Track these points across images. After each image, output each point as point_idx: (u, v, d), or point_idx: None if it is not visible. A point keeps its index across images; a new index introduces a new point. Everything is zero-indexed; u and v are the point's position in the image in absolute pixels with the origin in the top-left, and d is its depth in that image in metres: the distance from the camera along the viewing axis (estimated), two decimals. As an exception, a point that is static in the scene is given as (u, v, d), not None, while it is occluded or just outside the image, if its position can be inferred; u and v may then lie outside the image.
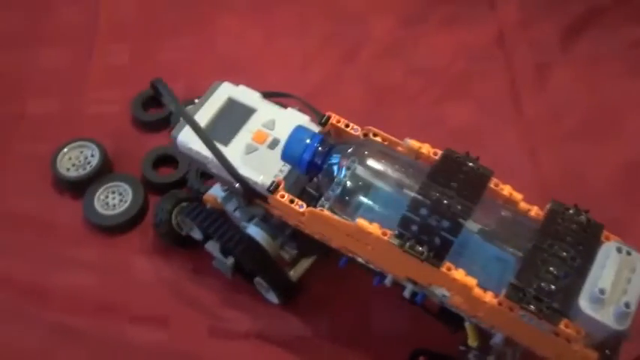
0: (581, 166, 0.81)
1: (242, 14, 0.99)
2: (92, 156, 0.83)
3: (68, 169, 0.82)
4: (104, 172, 0.82)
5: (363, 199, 0.58)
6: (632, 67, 0.89)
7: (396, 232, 0.54)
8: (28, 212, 0.81)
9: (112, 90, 0.90)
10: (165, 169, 0.83)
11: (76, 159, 0.83)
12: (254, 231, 0.68)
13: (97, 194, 0.80)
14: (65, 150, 0.83)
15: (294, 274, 0.71)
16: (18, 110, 0.90)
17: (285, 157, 0.60)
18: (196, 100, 0.67)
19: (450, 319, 0.61)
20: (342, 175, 0.58)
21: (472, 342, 0.60)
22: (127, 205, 0.79)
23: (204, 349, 0.71)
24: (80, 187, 0.81)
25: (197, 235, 0.73)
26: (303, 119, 0.65)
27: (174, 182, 0.80)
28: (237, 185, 0.63)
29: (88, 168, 0.82)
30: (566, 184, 0.79)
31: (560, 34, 0.92)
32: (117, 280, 0.76)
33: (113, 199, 0.80)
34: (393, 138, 0.61)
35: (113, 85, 0.92)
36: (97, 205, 0.80)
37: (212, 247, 0.71)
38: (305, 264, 0.72)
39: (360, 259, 0.62)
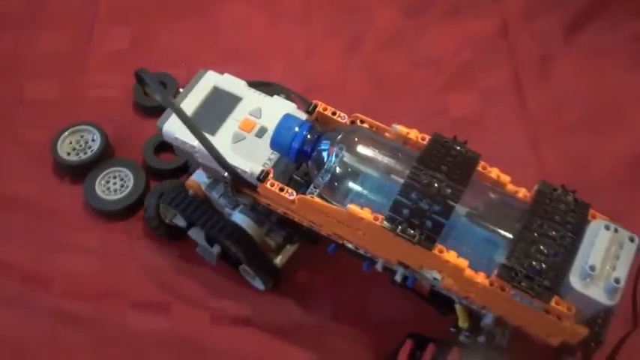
0: (583, 157, 0.82)
1: (246, 1, 0.98)
2: (93, 140, 0.82)
3: (69, 154, 0.81)
4: (105, 157, 0.82)
5: (353, 185, 0.59)
6: (634, 60, 0.90)
7: (388, 216, 0.54)
8: (28, 197, 0.81)
9: (112, 74, 0.89)
10: (167, 154, 0.82)
11: (77, 143, 0.82)
12: (239, 218, 0.69)
13: (98, 179, 0.80)
14: (66, 134, 0.82)
15: (280, 260, 0.71)
16: (17, 94, 0.89)
17: (274, 145, 0.60)
18: (181, 90, 0.67)
19: (441, 301, 0.62)
20: (332, 162, 0.58)
21: (462, 323, 0.61)
22: (128, 190, 0.79)
23: (206, 335, 0.71)
24: (81, 172, 0.80)
25: (180, 222, 0.72)
26: (290, 107, 0.65)
27: (176, 168, 0.80)
28: (225, 175, 0.62)
29: (89, 152, 0.81)
30: (569, 175, 0.80)
31: (563, 27, 0.93)
32: (118, 266, 0.76)
33: (114, 185, 0.80)
34: (380, 124, 0.62)
35: (114, 70, 0.91)
36: (98, 190, 0.79)
37: (195, 234, 0.71)
38: (290, 250, 0.72)
39: (349, 245, 0.62)
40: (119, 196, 0.78)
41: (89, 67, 0.92)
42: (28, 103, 0.89)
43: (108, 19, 0.96)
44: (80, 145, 0.82)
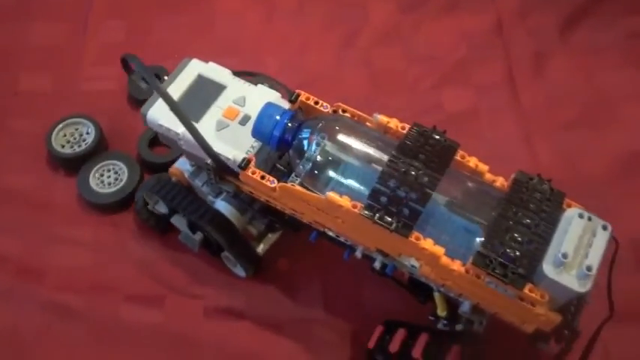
0: (577, 154, 0.82)
1: (242, -5, 0.98)
2: (88, 133, 0.82)
3: (63, 146, 0.82)
4: (100, 149, 0.82)
5: (334, 174, 0.59)
6: (629, 57, 0.90)
7: (366, 204, 0.55)
8: (22, 189, 0.81)
9: (107, 67, 0.88)
10: (162, 148, 0.81)
11: (71, 136, 0.82)
12: (222, 206, 0.69)
13: (93, 172, 0.80)
14: (60, 127, 0.82)
15: (262, 248, 0.72)
16: (11, 86, 0.89)
17: (256, 133, 0.61)
18: (165, 77, 0.67)
19: (419, 289, 0.63)
20: (313, 151, 0.59)
21: (441, 312, 0.62)
22: (122, 183, 0.79)
23: (199, 329, 0.71)
24: (75, 165, 0.80)
25: (163, 209, 0.73)
26: (274, 96, 0.66)
27: (170, 162, 0.78)
28: (208, 162, 0.63)
29: (84, 145, 0.81)
30: (562, 171, 0.79)
31: (558, 24, 0.93)
32: (111, 259, 0.76)
33: (108, 178, 0.80)
34: (362, 114, 0.62)
35: (109, 63, 0.88)
36: (92, 183, 0.79)
37: (178, 221, 0.71)
38: (272, 238, 0.73)
39: (330, 233, 0.63)
40: (113, 189, 0.79)
41: (84, 60, 0.92)
42: (23, 95, 0.89)
43: (103, 12, 0.96)
44: (74, 138, 0.82)
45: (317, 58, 0.92)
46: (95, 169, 0.80)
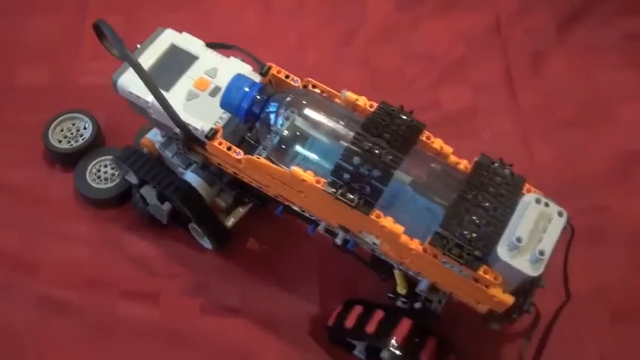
0: (573, 153, 0.82)
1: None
2: (85, 128, 0.82)
3: (60, 141, 0.81)
4: (96, 145, 0.81)
5: (300, 149, 0.59)
6: (626, 57, 0.90)
7: (329, 180, 0.55)
8: (19, 184, 0.81)
9: (105, 62, 0.84)
10: None
11: (68, 131, 0.82)
12: (191, 177, 0.69)
13: (89, 167, 0.80)
14: (57, 121, 0.82)
15: (231, 221, 0.72)
16: (8, 80, 0.89)
17: (224, 104, 0.61)
18: (138, 46, 0.67)
19: (381, 267, 0.64)
20: (280, 124, 0.59)
21: (401, 289, 0.63)
22: (119, 179, 0.78)
23: (195, 325, 0.72)
24: (72, 160, 0.80)
25: (132, 179, 0.73)
26: (245, 69, 0.66)
27: None
28: (177, 131, 0.63)
29: (81, 140, 0.81)
30: (559, 171, 0.80)
31: (556, 23, 0.92)
32: (107, 255, 0.76)
33: (105, 173, 0.80)
34: (331, 90, 0.62)
35: (106, 58, 0.88)
36: (89, 179, 0.79)
37: (147, 192, 0.72)
38: (242, 212, 0.73)
39: (295, 207, 0.63)
40: (110, 184, 0.78)
41: (81, 55, 0.91)
42: (20, 89, 0.88)
43: (101, 7, 0.95)
44: (72, 133, 0.82)
45: (315, 55, 0.92)
46: (92, 164, 0.80)
